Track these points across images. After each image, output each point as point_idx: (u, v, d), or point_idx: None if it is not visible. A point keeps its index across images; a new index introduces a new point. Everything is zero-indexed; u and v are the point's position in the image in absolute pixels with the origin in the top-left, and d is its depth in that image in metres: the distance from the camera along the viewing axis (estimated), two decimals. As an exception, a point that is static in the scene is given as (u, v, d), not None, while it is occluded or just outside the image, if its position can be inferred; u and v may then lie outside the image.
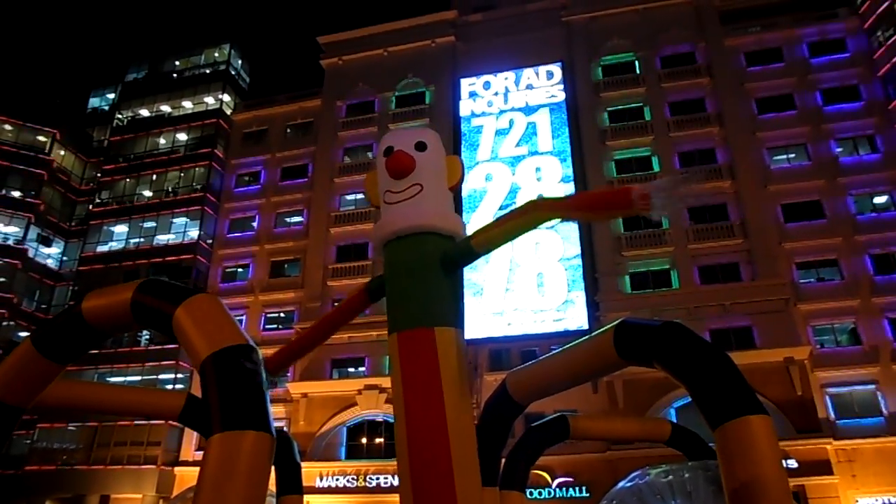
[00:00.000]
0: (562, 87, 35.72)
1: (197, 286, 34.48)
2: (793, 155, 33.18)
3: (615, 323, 4.64)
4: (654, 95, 35.04)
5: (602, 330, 4.76)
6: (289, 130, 41.72)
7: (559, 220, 4.82)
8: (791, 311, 28.99)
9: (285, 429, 31.35)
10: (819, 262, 30.45)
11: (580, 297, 30.81)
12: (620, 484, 8.84)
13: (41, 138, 43.24)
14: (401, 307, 5.02)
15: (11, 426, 4.67)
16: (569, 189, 33.03)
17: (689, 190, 4.20)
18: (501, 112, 35.88)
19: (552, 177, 33.51)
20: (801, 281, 30.36)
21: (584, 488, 27.37)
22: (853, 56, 34.25)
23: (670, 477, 7.86)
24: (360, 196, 37.76)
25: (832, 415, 27.55)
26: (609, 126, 34.94)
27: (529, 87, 36.10)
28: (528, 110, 35.59)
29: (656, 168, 33.46)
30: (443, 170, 5.46)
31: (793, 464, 24.25)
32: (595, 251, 32.02)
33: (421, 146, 5.32)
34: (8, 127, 42.62)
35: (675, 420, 22.68)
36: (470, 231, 5.36)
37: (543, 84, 35.98)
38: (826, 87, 33.79)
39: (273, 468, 8.71)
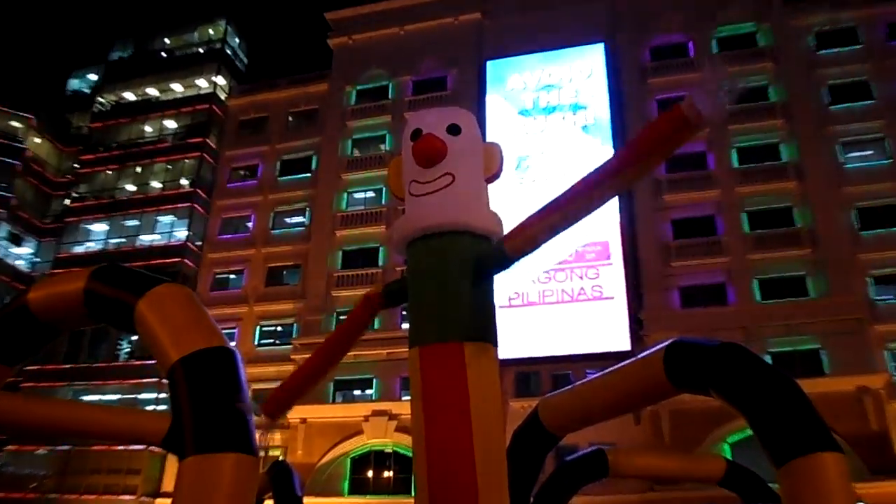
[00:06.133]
0: (604, 71, 35.67)
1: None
2: (870, 152, 32.74)
3: (666, 343, 4.56)
4: (709, 82, 34.62)
5: (650, 351, 4.67)
6: (291, 119, 42.05)
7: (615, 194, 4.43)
8: (866, 333, 28.58)
9: (281, 458, 31.39)
10: (900, 277, 30.22)
11: (622, 313, 30.81)
12: (666, 529, 8.77)
13: (14, 124, 43.95)
14: (425, 317, 4.80)
15: None
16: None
17: (730, 80, 3.89)
18: (535, 99, 35.95)
19: (591, 173, 33.37)
20: (878, 298, 29.90)
21: (622, 533, 27.19)
22: (940, 38, 33.84)
23: (725, 523, 7.75)
24: (370, 194, 37.96)
25: (912, 454, 27.22)
26: (658, 117, 34.68)
27: (567, 71, 36.03)
28: (565, 97, 35.57)
29: (712, 164, 33.36)
30: (479, 158, 5.21)
31: (866, 510, 23.90)
32: (640, 261, 31.97)
33: (454, 129, 5.08)
34: (-23, 111, 43.50)
35: (729, 457, 22.29)
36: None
37: (583, 68, 35.92)
38: (909, 74, 33.43)
39: (272, 502, 8.74)
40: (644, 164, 4.16)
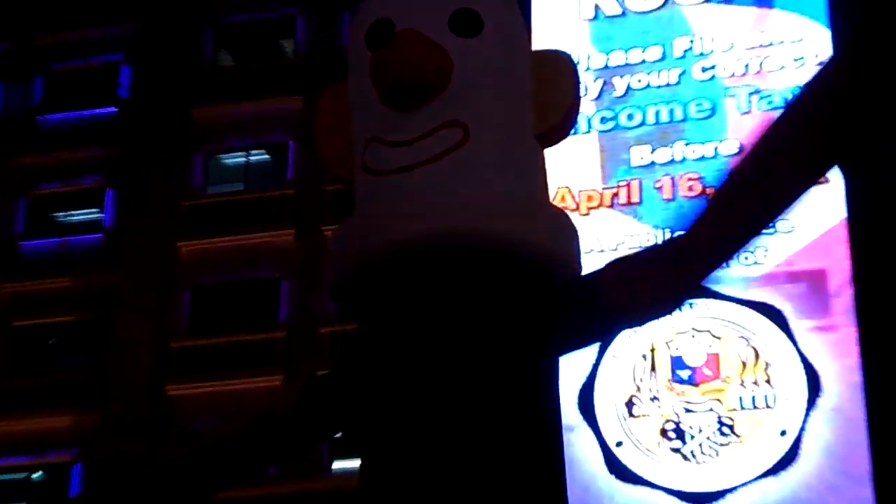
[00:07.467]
0: None
1: None
2: None
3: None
4: None
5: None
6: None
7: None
8: None
9: None
10: None
11: (856, 422, 27.57)
12: None
13: None
14: (402, 450, 3.82)
15: None
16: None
17: None
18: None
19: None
20: None
21: None
22: None
23: None
24: (260, 156, 40.07)
25: None
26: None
27: None
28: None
29: None
30: (525, 86, 4.27)
31: None
32: None
33: (468, 21, 4.03)
34: None
35: None
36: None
37: None
38: None
39: None
40: None
